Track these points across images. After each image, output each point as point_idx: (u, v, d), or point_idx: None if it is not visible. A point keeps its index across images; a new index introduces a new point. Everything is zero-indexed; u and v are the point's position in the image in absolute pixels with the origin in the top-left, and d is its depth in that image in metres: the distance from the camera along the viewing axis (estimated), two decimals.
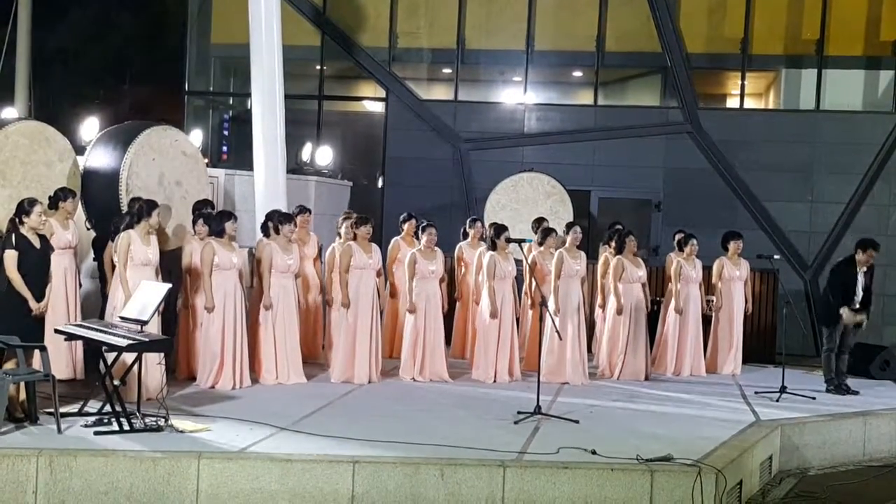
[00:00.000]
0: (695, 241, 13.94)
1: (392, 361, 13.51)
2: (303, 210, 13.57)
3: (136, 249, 10.88)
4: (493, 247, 12.88)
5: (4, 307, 9.61)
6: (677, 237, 14.19)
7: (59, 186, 11.64)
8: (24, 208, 9.78)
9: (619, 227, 14.54)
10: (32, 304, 9.62)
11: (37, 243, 9.80)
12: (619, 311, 13.35)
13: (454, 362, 13.54)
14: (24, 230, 9.71)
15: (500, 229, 12.97)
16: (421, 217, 14.21)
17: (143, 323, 9.62)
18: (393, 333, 14.20)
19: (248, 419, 9.91)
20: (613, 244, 13.67)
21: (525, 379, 12.80)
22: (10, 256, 9.61)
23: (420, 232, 12.98)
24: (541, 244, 13.46)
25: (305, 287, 13.38)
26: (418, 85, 19.13)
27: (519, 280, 13.46)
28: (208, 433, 9.34)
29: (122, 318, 10.00)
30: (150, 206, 11.11)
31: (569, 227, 13.54)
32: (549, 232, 13.49)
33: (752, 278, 14.73)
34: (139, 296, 9.98)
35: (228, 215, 11.97)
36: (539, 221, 14.69)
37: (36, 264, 9.75)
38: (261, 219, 13.01)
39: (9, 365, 9.47)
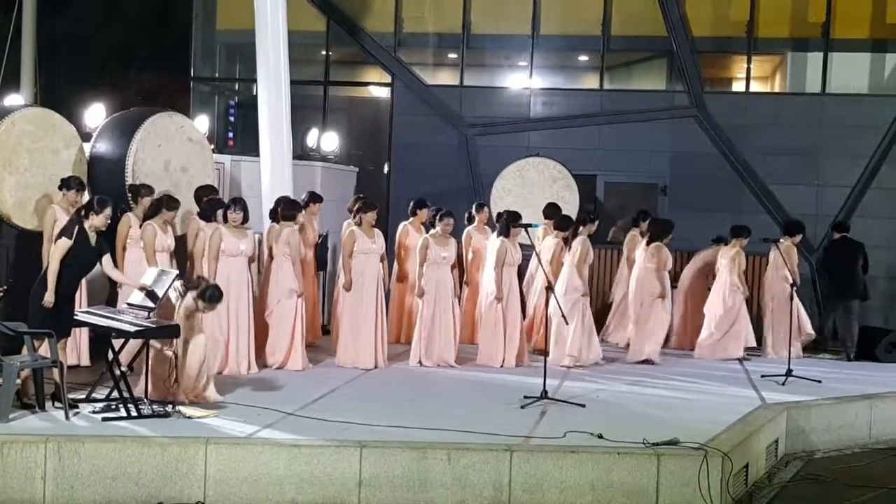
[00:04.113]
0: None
1: (398, 347, 13.56)
2: (317, 198, 13.71)
3: (157, 239, 11.35)
4: (505, 233, 12.89)
5: (36, 296, 9.60)
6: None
7: (64, 173, 11.67)
8: (93, 206, 9.70)
9: (645, 211, 15.03)
10: (49, 296, 9.50)
11: (93, 241, 9.72)
12: (663, 297, 13.59)
13: (461, 348, 13.54)
14: (86, 225, 9.69)
15: (515, 216, 13.00)
16: (428, 203, 14.29)
17: (151, 310, 9.65)
18: (400, 319, 14.23)
19: (255, 405, 9.94)
20: (644, 227, 14.20)
21: (530, 364, 12.83)
22: (63, 246, 9.55)
23: (437, 220, 12.99)
24: (564, 230, 13.64)
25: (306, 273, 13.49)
26: (424, 70, 19.10)
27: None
28: (216, 419, 9.38)
29: (129, 304, 10.04)
30: (168, 202, 11.59)
31: (591, 216, 13.67)
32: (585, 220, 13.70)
33: (758, 262, 14.86)
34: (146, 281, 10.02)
35: (226, 203, 11.99)
36: (555, 208, 14.78)
37: (86, 261, 9.75)
38: (267, 205, 13.05)
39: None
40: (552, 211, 14.78)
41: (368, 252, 12.46)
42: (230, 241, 11.65)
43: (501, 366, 12.76)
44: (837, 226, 15.65)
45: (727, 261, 14.23)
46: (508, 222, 12.89)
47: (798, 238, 14.80)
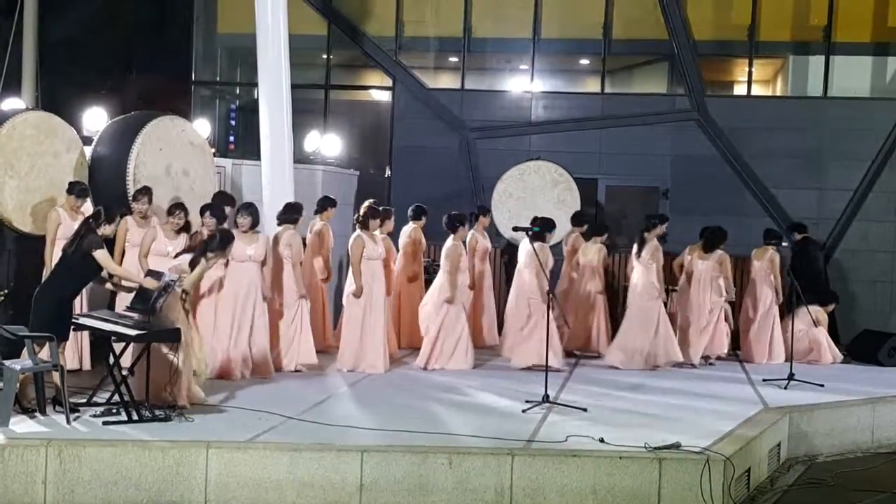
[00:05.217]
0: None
1: (398, 351, 13.57)
2: (332, 203, 13.90)
3: (157, 243, 11.44)
4: (541, 238, 12.96)
5: (38, 301, 9.59)
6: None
7: (65, 177, 11.70)
8: (101, 217, 9.78)
9: (661, 214, 15.16)
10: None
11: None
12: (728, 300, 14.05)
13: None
14: (98, 233, 9.72)
15: (550, 223, 13.28)
16: (422, 205, 14.42)
17: (151, 313, 9.63)
18: (412, 323, 14.25)
19: (256, 409, 9.93)
20: (661, 230, 14.18)
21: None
22: (106, 254, 9.70)
23: (460, 226, 13.16)
24: (600, 235, 14.35)
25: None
26: (425, 74, 19.09)
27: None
28: (216, 422, 9.37)
29: (128, 307, 10.02)
30: (170, 208, 11.69)
31: (654, 220, 13.89)
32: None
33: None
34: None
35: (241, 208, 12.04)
36: (583, 216, 15.23)
37: (91, 268, 9.78)
38: (269, 208, 13.03)
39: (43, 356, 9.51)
40: (583, 218, 15.11)
41: (376, 258, 12.51)
42: (237, 246, 11.63)
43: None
44: (797, 227, 15.76)
45: (765, 263, 14.27)
46: (544, 228, 13.04)
47: (831, 307, 15.13)
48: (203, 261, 10.21)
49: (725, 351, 14.20)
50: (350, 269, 12.65)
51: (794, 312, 13.66)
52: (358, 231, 12.68)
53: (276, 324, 12.26)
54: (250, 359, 11.71)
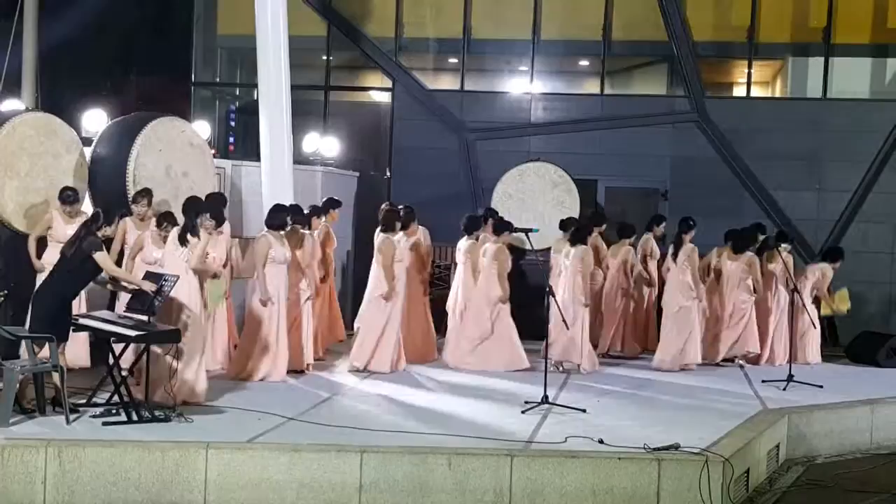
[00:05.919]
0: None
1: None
2: (336, 204, 13.97)
3: (145, 250, 11.25)
4: (583, 241, 13.08)
5: (38, 301, 9.61)
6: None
7: (65, 178, 11.68)
8: (99, 219, 9.80)
9: (660, 215, 15.57)
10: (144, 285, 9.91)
11: None
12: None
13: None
14: (99, 235, 9.74)
15: (585, 227, 13.60)
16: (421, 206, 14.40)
17: (151, 314, 9.64)
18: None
19: (256, 409, 9.93)
20: (658, 231, 14.66)
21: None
22: (106, 256, 9.73)
23: (506, 231, 13.19)
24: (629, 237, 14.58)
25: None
26: (424, 75, 19.09)
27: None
28: (216, 423, 9.38)
29: (127, 308, 10.03)
30: (164, 220, 11.38)
31: (690, 222, 13.97)
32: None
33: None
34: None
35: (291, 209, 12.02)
36: (602, 216, 15.54)
37: (91, 269, 9.81)
38: (267, 209, 13.03)
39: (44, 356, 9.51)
40: (601, 219, 15.22)
41: (400, 260, 12.56)
42: (279, 249, 11.65)
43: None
44: (759, 228, 15.10)
45: (780, 266, 14.31)
46: (584, 231, 13.21)
47: (838, 264, 14.82)
48: (203, 228, 10.50)
49: (755, 350, 14.13)
50: (382, 271, 12.43)
51: (794, 310, 13.70)
52: (384, 234, 12.60)
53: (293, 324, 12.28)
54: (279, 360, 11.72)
